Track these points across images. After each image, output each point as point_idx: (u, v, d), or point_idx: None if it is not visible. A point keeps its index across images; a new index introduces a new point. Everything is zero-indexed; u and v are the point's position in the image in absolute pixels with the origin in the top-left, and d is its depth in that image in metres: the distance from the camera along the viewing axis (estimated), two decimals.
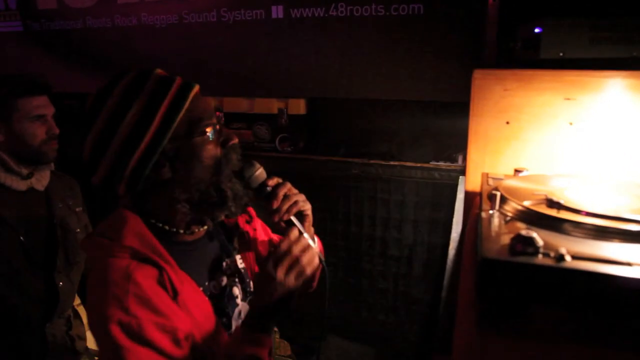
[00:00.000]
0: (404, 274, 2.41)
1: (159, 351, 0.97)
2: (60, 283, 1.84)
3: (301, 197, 1.15)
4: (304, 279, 1.03)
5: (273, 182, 1.14)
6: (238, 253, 1.31)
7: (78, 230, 1.95)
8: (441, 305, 0.97)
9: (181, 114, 1.03)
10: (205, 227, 1.20)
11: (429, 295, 2.32)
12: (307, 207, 1.16)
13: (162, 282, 1.03)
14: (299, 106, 2.47)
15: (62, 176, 2.02)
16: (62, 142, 1.85)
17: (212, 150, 1.07)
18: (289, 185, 1.15)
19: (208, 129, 1.06)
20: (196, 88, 1.07)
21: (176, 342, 1.00)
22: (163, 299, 1.01)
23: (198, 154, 1.05)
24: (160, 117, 1.01)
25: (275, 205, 1.11)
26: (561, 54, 1.17)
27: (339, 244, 2.49)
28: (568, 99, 1.13)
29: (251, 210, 1.38)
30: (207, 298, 1.13)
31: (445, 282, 1.01)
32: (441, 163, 2.19)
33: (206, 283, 1.17)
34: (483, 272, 0.68)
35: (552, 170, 1.14)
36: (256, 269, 1.34)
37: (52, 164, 1.89)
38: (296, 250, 1.03)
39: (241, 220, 1.33)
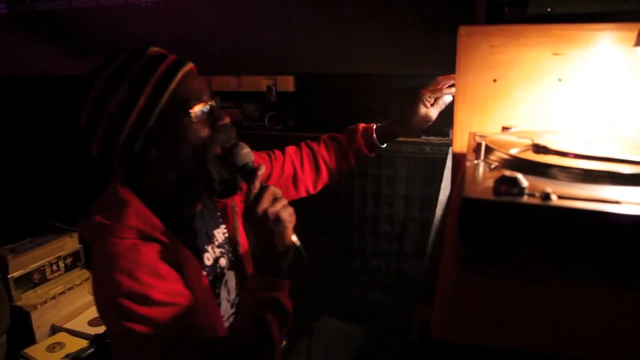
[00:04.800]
0: (395, 251, 2.39)
1: (174, 314, 0.98)
2: None
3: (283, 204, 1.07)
4: (287, 214, 1.05)
5: (260, 171, 1.09)
6: (223, 223, 1.35)
7: None
8: (425, 260, 0.95)
9: (166, 95, 1.04)
10: (201, 204, 1.25)
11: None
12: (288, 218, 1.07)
13: (168, 259, 1.06)
14: (287, 83, 2.44)
15: None
16: None
17: (198, 131, 1.07)
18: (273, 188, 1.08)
19: (195, 110, 1.07)
20: (186, 67, 1.09)
21: (187, 309, 1.02)
22: (171, 272, 1.05)
23: (184, 134, 1.06)
24: (145, 98, 1.03)
25: (253, 188, 1.07)
26: (549, 10, 1.14)
27: (330, 222, 2.46)
28: (556, 54, 1.10)
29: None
30: (204, 273, 1.19)
31: (431, 239, 0.99)
32: (432, 137, 2.16)
33: (202, 255, 1.22)
34: (465, 213, 0.65)
35: (541, 128, 1.12)
36: (243, 233, 1.37)
37: None
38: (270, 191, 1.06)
39: None
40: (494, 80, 1.14)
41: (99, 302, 1.06)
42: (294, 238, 1.09)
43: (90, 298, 2.91)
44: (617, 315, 0.63)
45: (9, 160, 3.41)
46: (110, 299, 0.99)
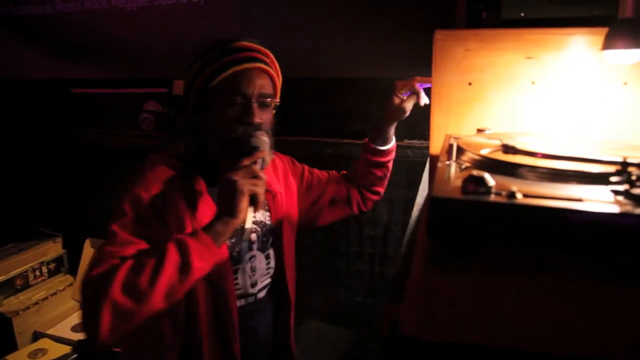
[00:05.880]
0: (379, 254, 2.40)
1: (146, 232, 1.18)
2: None
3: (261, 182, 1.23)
4: (247, 188, 1.16)
5: (259, 153, 1.26)
6: (268, 211, 1.48)
7: None
8: (398, 260, 0.96)
9: (215, 81, 1.28)
10: None
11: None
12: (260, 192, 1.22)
13: (187, 191, 1.27)
14: None
15: None
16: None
17: (225, 117, 1.28)
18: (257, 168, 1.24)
19: (230, 100, 1.28)
20: (241, 66, 1.28)
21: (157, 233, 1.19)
22: (182, 208, 1.25)
23: (216, 115, 1.30)
24: (202, 80, 1.29)
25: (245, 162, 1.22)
26: (522, 14, 1.17)
27: None
28: (530, 57, 1.12)
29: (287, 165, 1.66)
30: None
31: (406, 239, 1.00)
32: (414, 141, 2.18)
33: None
34: (434, 212, 0.66)
35: (516, 130, 1.14)
36: (286, 231, 1.52)
37: None
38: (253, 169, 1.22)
39: (272, 181, 1.49)
40: (469, 84, 1.16)
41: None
42: (249, 221, 1.20)
43: (73, 304, 2.89)
44: (583, 309, 0.64)
45: None
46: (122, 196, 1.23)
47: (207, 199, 1.30)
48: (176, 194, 1.26)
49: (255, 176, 1.19)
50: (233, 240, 1.35)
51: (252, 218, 1.22)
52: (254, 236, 1.42)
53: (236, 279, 1.36)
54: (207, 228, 1.16)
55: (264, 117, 1.32)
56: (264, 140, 1.28)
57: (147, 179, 1.25)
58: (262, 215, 1.46)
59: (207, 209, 1.28)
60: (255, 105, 1.29)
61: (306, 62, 2.33)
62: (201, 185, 1.31)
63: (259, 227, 1.44)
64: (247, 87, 1.29)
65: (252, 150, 1.25)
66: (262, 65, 1.33)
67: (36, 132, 3.15)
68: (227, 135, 1.28)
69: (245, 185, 1.16)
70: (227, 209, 1.16)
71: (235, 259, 1.36)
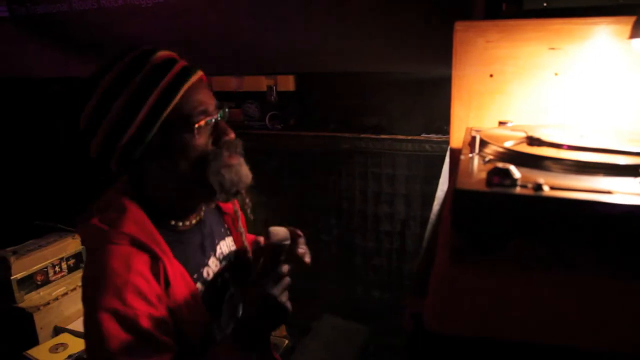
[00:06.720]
0: (397, 249, 2.39)
1: (150, 341, 0.96)
2: None
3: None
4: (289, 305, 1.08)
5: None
6: (230, 235, 1.32)
7: None
8: (420, 254, 0.95)
9: (169, 108, 1.00)
10: (201, 215, 1.21)
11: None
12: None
13: (157, 272, 1.02)
14: (287, 82, 2.45)
15: None
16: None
17: (200, 146, 1.04)
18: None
19: (198, 125, 1.03)
20: (193, 78, 1.04)
21: (166, 332, 1.00)
22: (155, 290, 1.00)
23: (185, 149, 1.03)
24: (146, 110, 0.99)
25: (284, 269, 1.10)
26: (545, 4, 1.14)
27: (331, 221, 2.46)
28: (553, 48, 1.10)
29: None
30: (197, 290, 1.12)
31: (427, 233, 0.99)
32: (432, 135, 2.17)
33: (200, 270, 1.16)
34: (458, 204, 0.65)
35: (538, 122, 1.12)
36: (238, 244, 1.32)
37: None
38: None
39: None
40: (491, 75, 1.14)
41: (85, 310, 1.01)
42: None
43: None
44: (608, 304, 0.63)
45: (12, 161, 3.42)
46: (94, 313, 0.95)
47: (171, 261, 1.06)
48: (147, 280, 1.00)
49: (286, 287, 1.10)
50: (208, 294, 1.16)
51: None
52: (227, 274, 1.24)
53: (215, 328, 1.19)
54: (253, 347, 1.06)
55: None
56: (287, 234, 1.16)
57: (114, 284, 0.96)
58: (227, 246, 1.28)
59: (176, 271, 1.06)
60: (221, 120, 1.09)
61: (322, 57, 2.32)
62: (161, 247, 1.05)
63: (227, 262, 1.25)
64: (207, 103, 1.05)
65: (279, 250, 1.13)
66: (201, 73, 1.09)
67: (54, 129, 3.19)
68: (207, 170, 1.04)
69: (289, 305, 1.08)
70: (262, 327, 1.08)
71: (214, 309, 1.19)
